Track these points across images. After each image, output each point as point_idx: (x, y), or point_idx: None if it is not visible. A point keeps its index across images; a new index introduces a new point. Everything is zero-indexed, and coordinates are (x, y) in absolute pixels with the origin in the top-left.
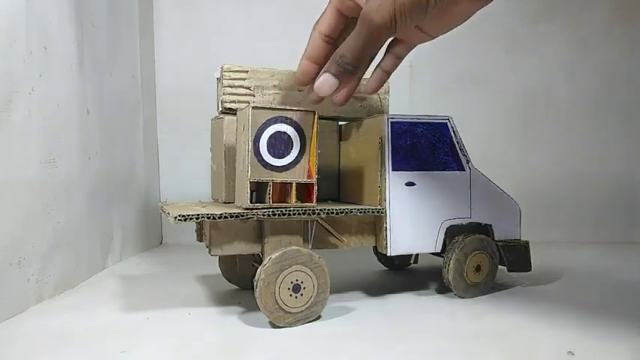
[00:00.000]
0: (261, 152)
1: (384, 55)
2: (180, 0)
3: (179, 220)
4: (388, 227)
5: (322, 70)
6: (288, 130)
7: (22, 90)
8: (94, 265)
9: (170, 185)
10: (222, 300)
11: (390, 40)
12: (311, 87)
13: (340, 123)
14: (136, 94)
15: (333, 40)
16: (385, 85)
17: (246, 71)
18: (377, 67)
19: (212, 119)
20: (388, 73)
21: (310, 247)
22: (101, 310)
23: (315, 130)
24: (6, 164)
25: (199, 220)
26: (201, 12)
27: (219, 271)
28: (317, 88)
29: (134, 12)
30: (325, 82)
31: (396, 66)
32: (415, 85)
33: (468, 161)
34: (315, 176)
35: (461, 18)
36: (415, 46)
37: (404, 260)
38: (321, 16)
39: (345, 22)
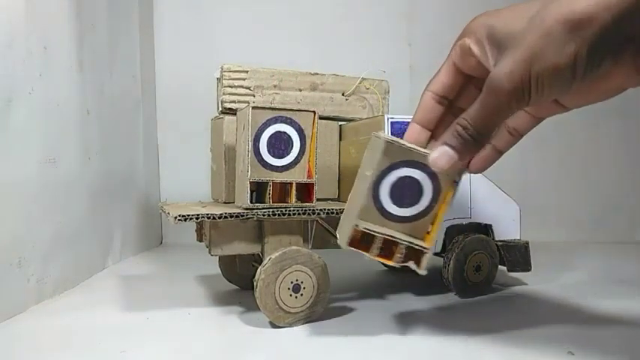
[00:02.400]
0: (261, 152)
1: (499, 129)
2: (180, 0)
3: (179, 220)
4: None
5: (439, 141)
6: (288, 130)
7: (22, 90)
8: (94, 265)
9: (170, 185)
10: (222, 300)
11: None
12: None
13: (340, 123)
14: (136, 94)
15: (448, 102)
16: (385, 85)
17: (246, 71)
18: (488, 143)
19: (212, 119)
20: (500, 153)
21: (310, 247)
22: (101, 310)
23: (315, 130)
24: (6, 164)
25: (199, 220)
26: (201, 12)
27: (219, 271)
28: (432, 161)
29: (134, 12)
30: (443, 155)
31: (511, 145)
32: (415, 85)
33: None
34: (315, 176)
35: (610, 94)
36: (541, 121)
37: None
38: (435, 75)
39: (464, 81)
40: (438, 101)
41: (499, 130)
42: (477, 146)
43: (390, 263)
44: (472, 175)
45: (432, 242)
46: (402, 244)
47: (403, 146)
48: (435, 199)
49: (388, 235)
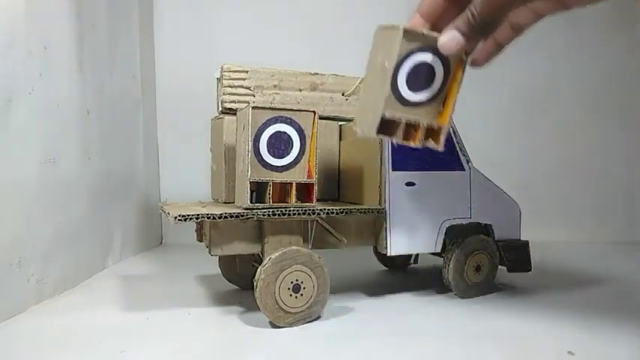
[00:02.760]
0: (261, 152)
1: (501, 23)
2: (180, 0)
3: (179, 220)
4: (388, 227)
5: (450, 25)
6: (288, 130)
7: (22, 90)
8: (94, 265)
9: (170, 185)
10: (223, 300)
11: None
12: None
13: (340, 123)
14: (136, 94)
15: None
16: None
17: (246, 71)
18: (489, 37)
19: (212, 119)
20: (501, 46)
21: (310, 247)
22: (101, 310)
23: (315, 129)
24: (6, 164)
25: (199, 220)
26: (201, 12)
27: (219, 271)
28: (441, 44)
29: (134, 12)
30: (452, 39)
31: (512, 39)
32: None
33: (467, 161)
34: (315, 176)
35: None
36: (542, 17)
37: (404, 260)
38: None
39: None
40: None
41: (502, 25)
42: (483, 34)
43: (413, 145)
44: (472, 175)
45: (447, 120)
46: (422, 125)
47: (419, 33)
48: (445, 80)
49: (412, 120)
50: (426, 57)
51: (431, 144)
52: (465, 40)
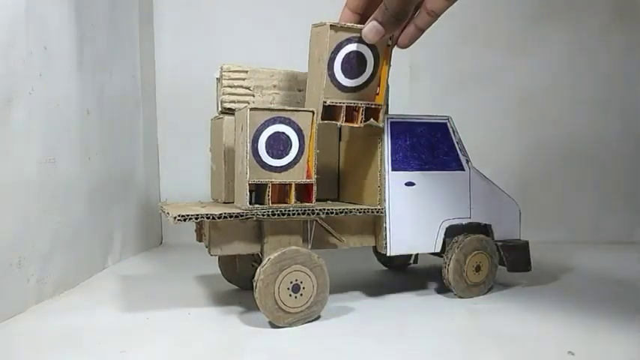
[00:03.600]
0: (260, 153)
1: (419, 12)
2: (180, 0)
3: (178, 220)
4: (388, 227)
5: (370, 18)
6: (287, 130)
7: (22, 90)
8: (94, 265)
9: (170, 185)
10: (222, 300)
11: None
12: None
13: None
14: (136, 94)
15: None
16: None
17: (246, 71)
18: (410, 22)
19: (212, 119)
20: (421, 30)
21: (310, 247)
22: (101, 310)
23: (313, 130)
24: (6, 164)
25: (199, 220)
26: (201, 12)
27: (219, 271)
28: (365, 33)
29: (134, 12)
30: (372, 29)
31: (431, 23)
32: (415, 85)
33: (467, 161)
34: (314, 176)
35: None
36: (455, 2)
37: (403, 260)
38: None
39: None
40: None
41: (420, 12)
42: (398, 23)
43: (355, 125)
44: (472, 175)
45: (382, 99)
46: (360, 107)
47: (344, 26)
48: (377, 64)
49: (350, 103)
50: (355, 46)
51: (372, 122)
52: (384, 29)
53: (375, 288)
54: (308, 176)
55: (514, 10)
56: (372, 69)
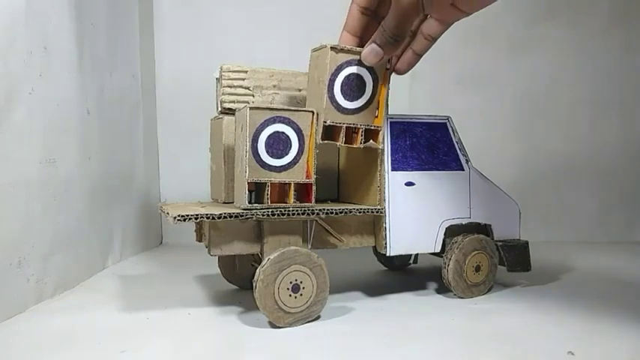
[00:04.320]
0: (259, 152)
1: (416, 37)
2: (180, 0)
3: (178, 220)
4: (387, 227)
5: (369, 41)
6: (287, 130)
7: (22, 90)
8: (94, 265)
9: (170, 185)
10: (222, 300)
11: (424, 19)
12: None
13: None
14: (136, 94)
15: (371, 12)
16: None
17: (246, 71)
18: (408, 48)
19: (211, 119)
20: (419, 56)
21: (310, 247)
22: (101, 310)
23: (313, 129)
24: (6, 164)
25: (198, 220)
26: (201, 12)
27: (219, 271)
28: (364, 56)
29: (134, 12)
30: (371, 51)
31: (428, 48)
32: (415, 85)
33: (467, 161)
34: (313, 176)
35: (483, 1)
36: (451, 24)
37: (403, 260)
38: None
39: None
40: (362, 12)
41: (417, 37)
42: (397, 44)
43: (354, 146)
44: (472, 175)
45: (382, 121)
46: (360, 128)
47: (345, 48)
48: (375, 87)
49: (349, 124)
50: (355, 69)
51: (372, 144)
52: (383, 50)
53: (375, 288)
54: (307, 176)
55: (514, 10)
56: (371, 91)
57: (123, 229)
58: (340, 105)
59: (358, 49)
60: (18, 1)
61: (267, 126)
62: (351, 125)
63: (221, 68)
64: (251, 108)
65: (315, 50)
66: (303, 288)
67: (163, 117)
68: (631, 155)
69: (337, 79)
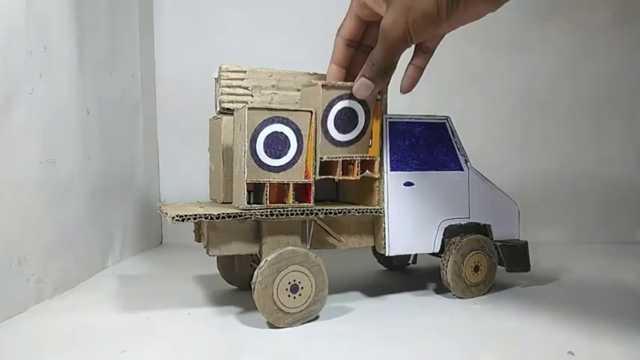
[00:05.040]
0: (258, 153)
1: (414, 52)
2: (180, 0)
3: (177, 220)
4: (386, 227)
5: (359, 75)
6: (285, 130)
7: (22, 90)
8: (94, 265)
9: (170, 185)
10: (222, 300)
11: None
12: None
13: None
14: (136, 94)
15: (356, 44)
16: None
17: (244, 71)
18: (409, 64)
19: (210, 119)
20: (421, 69)
21: (308, 247)
22: (101, 310)
23: (312, 129)
24: (6, 164)
25: (197, 220)
26: (201, 12)
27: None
28: (355, 91)
29: (134, 12)
30: (362, 85)
31: (427, 60)
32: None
33: (466, 161)
34: (312, 176)
35: (474, 18)
36: (442, 37)
37: (403, 260)
38: (342, 22)
39: (366, 26)
40: (347, 44)
41: (416, 53)
42: (386, 77)
43: (352, 178)
44: (471, 175)
45: (376, 151)
46: (356, 160)
47: (335, 84)
48: (368, 118)
49: (345, 157)
50: (347, 103)
51: (368, 174)
52: (373, 84)
53: (375, 288)
54: (306, 176)
55: (514, 9)
56: (363, 123)
57: (123, 229)
58: (334, 139)
59: (348, 83)
60: (18, 1)
61: (266, 126)
62: (347, 158)
63: (220, 68)
64: (249, 108)
65: (306, 87)
66: (302, 288)
67: (163, 117)
68: (631, 155)
69: (330, 115)
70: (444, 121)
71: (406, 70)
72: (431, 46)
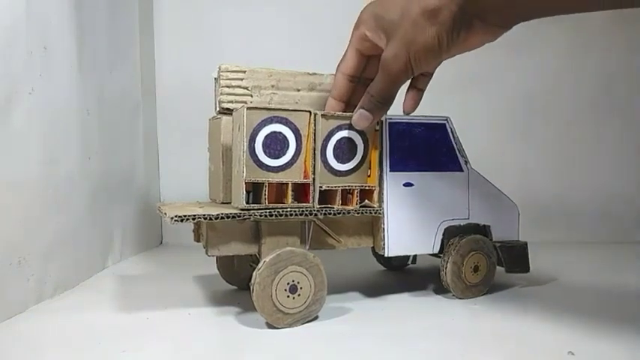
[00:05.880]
0: (257, 152)
1: (415, 76)
2: (180, 0)
3: (176, 220)
4: (386, 228)
5: (358, 106)
6: (284, 130)
7: (22, 90)
8: (94, 265)
9: (170, 185)
10: (222, 300)
11: None
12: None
13: None
14: (136, 94)
15: (356, 79)
16: None
17: (244, 71)
18: (409, 87)
19: (210, 119)
20: (422, 91)
21: (308, 247)
22: (101, 310)
23: (310, 129)
24: (6, 164)
25: (196, 220)
26: (201, 12)
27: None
28: (355, 122)
29: (134, 12)
30: (361, 117)
31: (427, 83)
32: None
33: (466, 162)
34: (311, 176)
35: (473, 47)
36: (441, 63)
37: (402, 261)
38: (343, 57)
39: (367, 60)
40: (348, 80)
41: (416, 77)
42: (385, 108)
43: (351, 207)
44: (470, 176)
45: (375, 180)
46: (355, 189)
47: (334, 114)
48: (367, 148)
49: (344, 186)
50: (346, 133)
51: (367, 204)
52: (372, 115)
53: (374, 288)
54: (305, 176)
55: None
56: (362, 152)
57: (123, 229)
58: (333, 168)
59: (347, 114)
60: (18, 1)
61: (265, 126)
62: (346, 187)
63: (219, 68)
64: (248, 108)
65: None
66: (301, 288)
67: (163, 117)
68: (632, 155)
69: (329, 144)
70: (444, 121)
71: (407, 91)
72: (431, 70)
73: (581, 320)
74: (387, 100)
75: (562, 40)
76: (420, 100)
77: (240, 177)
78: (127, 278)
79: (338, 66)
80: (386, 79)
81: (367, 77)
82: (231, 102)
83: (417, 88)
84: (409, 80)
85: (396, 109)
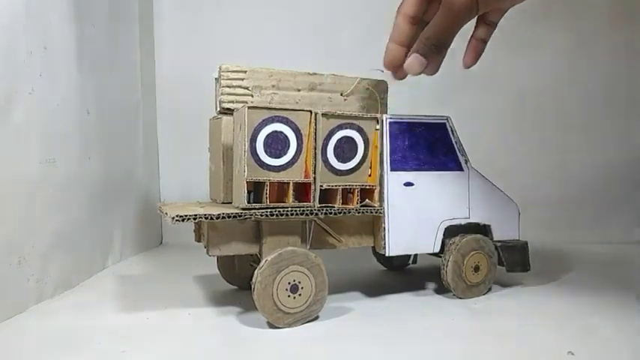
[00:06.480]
0: (258, 152)
1: (477, 24)
2: (180, 0)
3: (177, 220)
4: (386, 227)
5: (411, 51)
6: (285, 129)
7: (22, 90)
8: (94, 265)
9: (170, 185)
10: (222, 300)
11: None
12: (398, 68)
13: None
14: (136, 94)
15: (417, 21)
16: (384, 85)
17: (245, 71)
18: (471, 37)
19: (210, 119)
20: (485, 42)
21: (308, 247)
22: (101, 310)
23: (311, 129)
24: (6, 164)
25: (197, 220)
26: (201, 12)
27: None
28: (407, 67)
29: (134, 12)
30: (415, 62)
31: (491, 33)
32: (415, 85)
33: (466, 161)
34: (312, 176)
35: None
36: (508, 9)
37: (403, 260)
38: (402, 0)
39: (428, 3)
40: (410, 22)
41: (479, 26)
42: (441, 53)
43: (352, 207)
44: (471, 175)
45: (376, 179)
46: (356, 189)
47: (335, 113)
48: (367, 147)
49: (345, 185)
50: (346, 132)
51: (368, 203)
52: (426, 59)
53: (375, 288)
54: (306, 176)
55: (514, 9)
56: (362, 151)
57: (123, 229)
58: (334, 167)
59: (347, 113)
60: (18, 1)
61: (266, 125)
62: (347, 186)
63: (220, 68)
64: (249, 107)
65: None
66: (302, 288)
67: (163, 117)
68: (631, 155)
69: (330, 144)
70: (444, 121)
71: (469, 43)
72: (494, 19)
73: (581, 320)
74: (444, 44)
75: (561, 40)
76: (482, 52)
77: (241, 176)
78: (127, 278)
79: (398, 8)
80: (447, 16)
81: (429, 21)
82: (232, 102)
83: (480, 39)
84: (472, 26)
85: (398, 109)
